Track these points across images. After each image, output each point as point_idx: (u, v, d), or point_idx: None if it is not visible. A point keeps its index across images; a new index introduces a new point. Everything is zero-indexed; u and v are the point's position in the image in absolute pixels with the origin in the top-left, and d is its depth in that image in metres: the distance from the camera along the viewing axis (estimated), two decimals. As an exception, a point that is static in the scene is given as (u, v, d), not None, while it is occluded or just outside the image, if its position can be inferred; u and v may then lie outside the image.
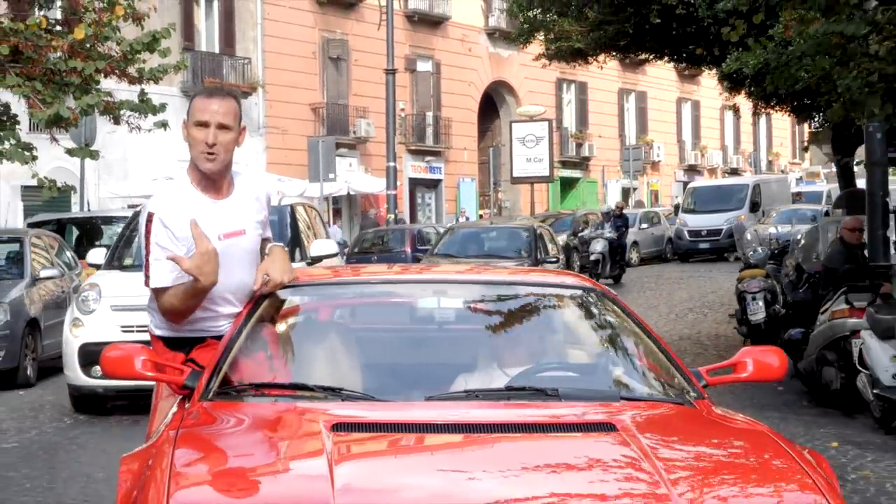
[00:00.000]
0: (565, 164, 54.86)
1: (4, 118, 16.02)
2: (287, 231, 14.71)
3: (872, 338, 10.21)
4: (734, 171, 63.95)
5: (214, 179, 5.30)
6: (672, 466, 3.86)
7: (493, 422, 4.26)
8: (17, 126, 15.91)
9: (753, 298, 15.58)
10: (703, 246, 37.09)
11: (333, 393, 4.64)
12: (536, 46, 23.55)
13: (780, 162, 70.92)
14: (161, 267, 5.17)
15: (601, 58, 22.14)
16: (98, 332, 12.39)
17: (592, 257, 29.12)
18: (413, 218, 46.05)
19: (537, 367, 5.05)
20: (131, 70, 15.78)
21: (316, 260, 14.42)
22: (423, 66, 48.10)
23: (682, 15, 17.70)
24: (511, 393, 4.62)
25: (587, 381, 4.94)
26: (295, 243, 14.78)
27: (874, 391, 10.22)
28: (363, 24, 42.89)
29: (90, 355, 12.16)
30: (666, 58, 21.67)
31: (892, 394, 9.90)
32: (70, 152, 16.49)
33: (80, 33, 14.23)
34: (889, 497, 8.26)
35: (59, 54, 14.37)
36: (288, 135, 41.37)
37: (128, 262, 13.53)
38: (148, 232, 5.21)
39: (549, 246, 22.36)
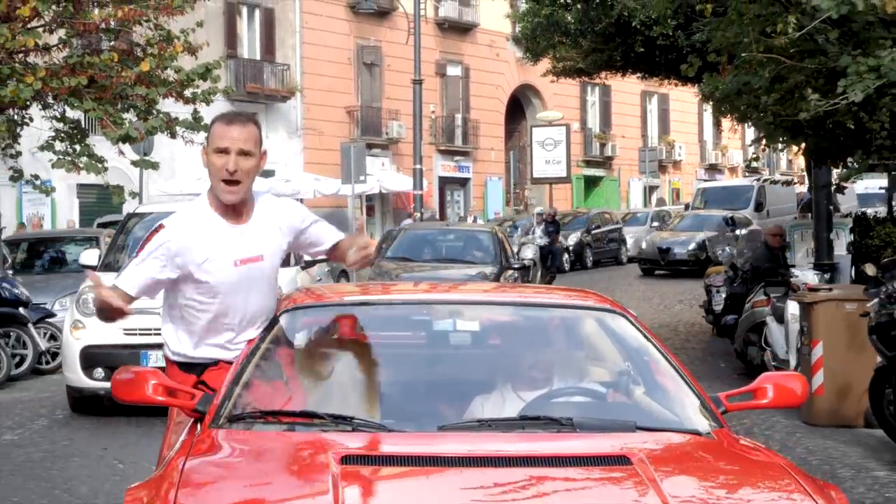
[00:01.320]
0: (589, 164, 57.24)
1: (76, 133, 18.75)
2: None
3: (773, 322, 12.87)
4: (754, 171, 66.13)
5: (233, 205, 5.25)
6: (682, 501, 3.83)
7: (505, 455, 4.19)
8: (87, 140, 18.63)
9: (717, 291, 18.14)
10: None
11: (344, 422, 4.54)
12: (546, 63, 26.18)
13: (800, 161, 72.92)
14: (136, 274, 5.14)
15: (603, 74, 24.78)
16: (100, 335, 12.38)
17: (525, 262, 27.36)
18: (442, 215, 48.12)
19: (552, 392, 4.98)
20: (186, 93, 18.48)
21: (309, 264, 14.54)
22: (453, 71, 50.40)
23: (664, 45, 20.24)
24: (525, 423, 4.55)
25: (603, 410, 4.85)
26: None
27: (773, 363, 12.89)
28: (395, 32, 44.79)
29: (92, 357, 12.40)
30: (655, 78, 24.17)
31: (786, 365, 12.54)
32: (135, 164, 19.15)
33: (145, 66, 16.94)
34: (761, 436, 10.81)
35: (128, 84, 17.08)
36: (324, 136, 43.20)
37: (121, 264, 12.98)
38: (148, 240, 5.17)
39: (510, 250, 21.13)
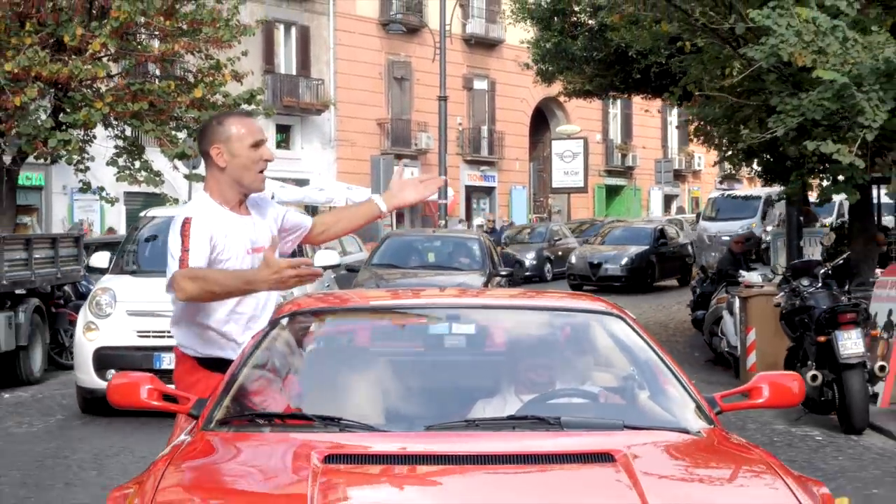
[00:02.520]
0: (610, 173, 59.55)
1: (135, 150, 21.25)
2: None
3: (727, 314, 15.26)
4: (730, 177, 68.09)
5: (240, 199, 5.40)
6: (661, 498, 3.79)
7: (489, 453, 4.18)
8: (144, 156, 21.12)
9: (694, 291, 20.49)
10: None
11: (332, 423, 4.53)
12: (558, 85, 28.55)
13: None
14: (200, 249, 5.16)
15: (608, 95, 27.18)
16: (114, 337, 12.58)
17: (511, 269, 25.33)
18: (469, 223, 50.26)
19: (546, 394, 4.96)
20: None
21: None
22: (479, 85, 52.69)
23: (657, 71, 22.57)
24: (512, 422, 4.53)
25: (592, 409, 4.81)
26: (298, 253, 14.05)
27: (727, 349, 15.27)
28: (424, 48, 46.55)
29: (105, 359, 12.47)
30: (658, 99, 26.46)
31: (735, 351, 14.90)
32: (187, 177, 21.65)
33: (198, 92, 19.43)
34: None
35: (182, 108, 19.59)
36: (356, 147, 45.34)
37: (134, 267, 13.73)
38: (186, 232, 5.18)
39: (496, 257, 20.69)
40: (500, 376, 5.18)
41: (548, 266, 35.84)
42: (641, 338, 5.16)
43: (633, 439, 4.35)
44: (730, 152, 16.07)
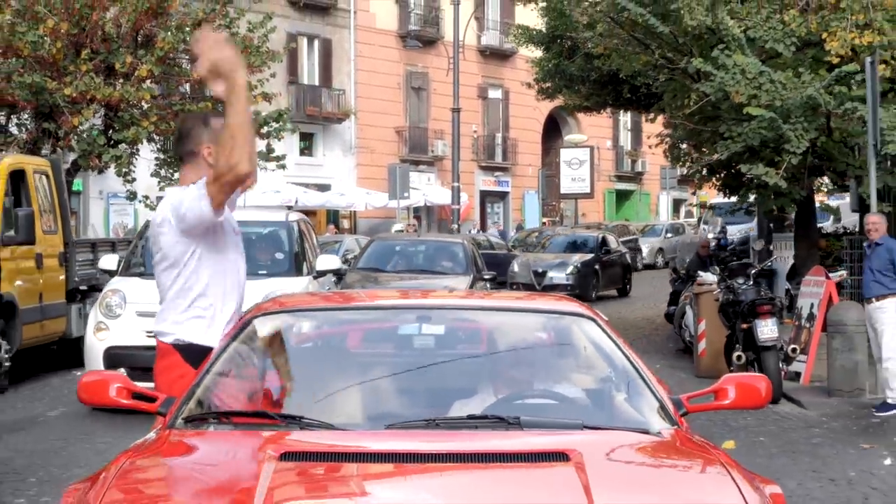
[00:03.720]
0: (621, 178, 61.91)
1: (175, 161, 23.68)
2: (294, 246, 14.87)
3: (689, 309, 17.64)
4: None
5: None
6: (608, 498, 3.79)
7: (444, 452, 4.18)
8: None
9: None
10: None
11: (293, 421, 4.55)
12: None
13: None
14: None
15: (606, 110, 29.58)
16: (124, 337, 12.78)
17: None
18: (483, 226, 52.70)
19: (509, 394, 4.99)
20: (262, 131, 23.47)
21: (321, 274, 14.79)
22: (494, 94, 54.98)
23: (646, 92, 24.92)
24: (473, 422, 4.53)
25: (554, 410, 4.79)
26: (302, 257, 14.86)
27: (689, 339, 17.67)
28: (441, 59, 48.58)
29: (115, 358, 12.66)
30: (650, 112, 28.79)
31: (694, 339, 17.29)
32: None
33: (233, 112, 21.91)
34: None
35: (219, 126, 22.03)
36: (376, 154, 47.52)
37: (142, 269, 13.82)
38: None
39: (480, 262, 20.88)
40: (468, 377, 5.25)
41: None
42: (612, 339, 5.19)
43: (591, 439, 4.38)
44: (694, 169, 18.52)
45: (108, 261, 14.70)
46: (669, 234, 44.78)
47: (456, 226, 38.31)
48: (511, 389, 5.08)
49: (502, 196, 56.42)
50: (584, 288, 28.90)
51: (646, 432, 4.57)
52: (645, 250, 44.06)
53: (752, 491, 3.97)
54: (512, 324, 5.60)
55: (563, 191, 46.89)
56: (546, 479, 4.00)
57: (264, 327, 5.38)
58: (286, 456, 4.11)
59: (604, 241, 29.63)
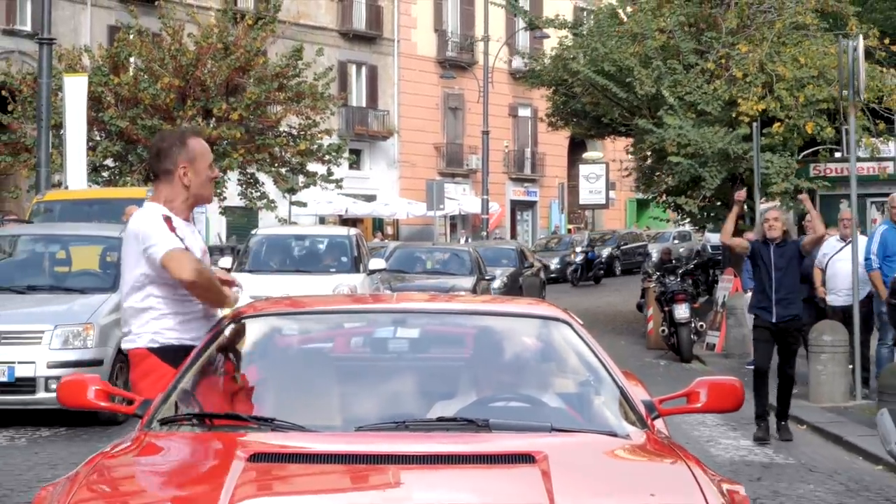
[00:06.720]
0: (639, 187, 66.96)
1: (253, 182, 29.61)
2: (354, 251, 18.31)
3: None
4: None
5: (189, 211, 5.73)
6: (570, 498, 3.80)
7: (411, 453, 4.16)
8: (260, 188, 29.44)
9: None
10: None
11: (265, 423, 4.54)
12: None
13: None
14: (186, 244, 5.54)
15: (609, 138, 35.34)
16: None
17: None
18: (513, 233, 57.48)
19: (480, 398, 4.96)
20: (325, 158, 29.41)
21: (373, 272, 17.87)
22: (523, 112, 59.78)
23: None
24: (442, 424, 4.51)
25: (524, 413, 4.76)
26: (359, 260, 18.32)
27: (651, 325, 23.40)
28: (475, 82, 51.92)
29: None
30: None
31: (645, 322, 22.95)
32: (292, 203, 30.09)
33: (303, 146, 27.85)
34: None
35: (293, 156, 28.03)
36: (416, 167, 51.81)
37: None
38: (171, 227, 5.48)
39: (483, 267, 23.72)
40: (441, 380, 5.28)
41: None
42: (586, 343, 5.20)
43: (558, 442, 4.38)
44: (651, 195, 24.28)
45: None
46: (677, 241, 49.54)
47: (485, 233, 43.00)
48: (484, 392, 5.09)
49: (531, 205, 61.33)
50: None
51: (613, 435, 4.59)
52: (654, 255, 48.79)
53: (716, 493, 4.00)
54: (487, 327, 5.63)
55: (581, 202, 52.26)
56: (510, 479, 4.04)
57: (241, 330, 5.42)
58: (255, 457, 4.11)
59: (522, 254, 29.25)
